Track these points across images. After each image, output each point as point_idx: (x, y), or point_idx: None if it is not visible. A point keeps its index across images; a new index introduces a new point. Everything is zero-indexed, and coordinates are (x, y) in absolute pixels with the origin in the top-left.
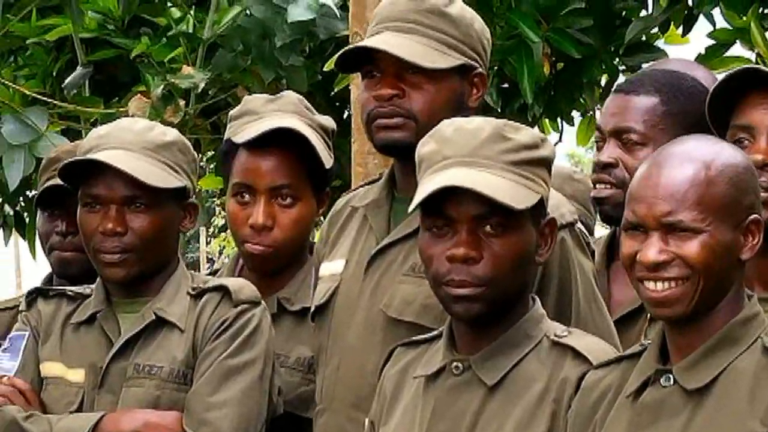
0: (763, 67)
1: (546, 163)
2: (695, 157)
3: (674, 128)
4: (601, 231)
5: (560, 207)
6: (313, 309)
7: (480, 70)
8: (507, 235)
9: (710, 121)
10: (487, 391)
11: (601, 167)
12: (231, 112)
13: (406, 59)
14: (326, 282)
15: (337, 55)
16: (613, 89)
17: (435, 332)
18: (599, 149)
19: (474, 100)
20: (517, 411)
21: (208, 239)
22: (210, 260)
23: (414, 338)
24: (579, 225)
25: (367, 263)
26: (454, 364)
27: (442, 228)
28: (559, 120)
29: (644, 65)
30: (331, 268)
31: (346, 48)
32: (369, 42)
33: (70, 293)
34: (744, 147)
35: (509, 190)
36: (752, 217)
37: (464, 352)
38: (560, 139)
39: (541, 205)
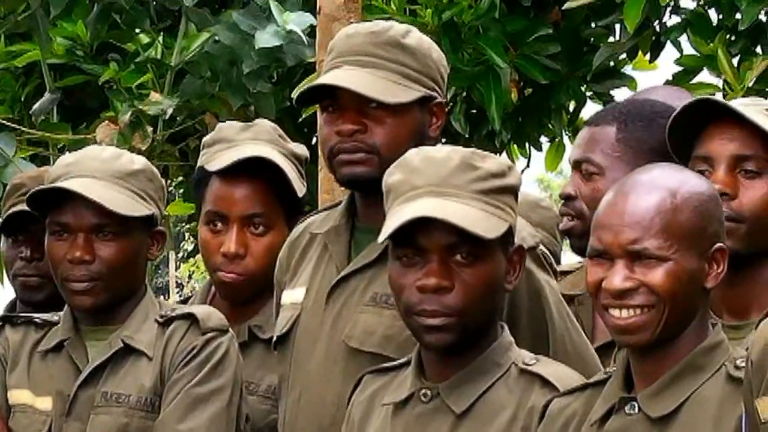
0: (718, 99)
1: (513, 190)
2: (661, 185)
3: (631, 155)
4: (569, 258)
5: (521, 231)
6: (275, 338)
7: (439, 99)
8: (477, 264)
9: (672, 151)
10: (455, 419)
11: (563, 200)
12: (204, 139)
13: (367, 95)
14: (287, 311)
15: (297, 92)
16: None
17: (403, 359)
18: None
19: (435, 130)
20: None
21: (177, 264)
22: (179, 285)
23: (382, 366)
24: (541, 248)
25: (327, 293)
26: (423, 391)
27: (413, 258)
28: (527, 145)
29: (612, 91)
30: (292, 296)
31: (307, 86)
32: (328, 79)
33: (37, 321)
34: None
35: (479, 220)
36: (717, 245)
37: (433, 380)
38: (528, 165)
39: (509, 233)
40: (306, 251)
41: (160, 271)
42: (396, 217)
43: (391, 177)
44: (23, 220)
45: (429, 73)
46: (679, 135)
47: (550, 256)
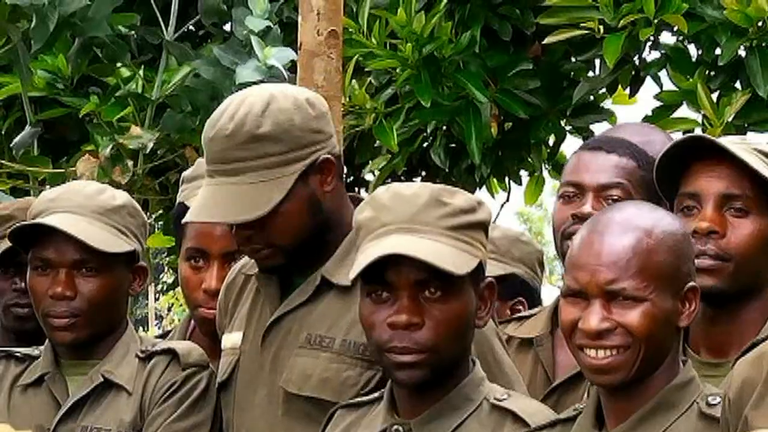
0: (707, 136)
1: (483, 226)
2: (636, 225)
3: (645, 195)
4: (549, 291)
5: None
6: (216, 384)
7: (319, 155)
8: (448, 300)
9: (659, 188)
10: None
11: (582, 219)
12: (184, 174)
13: (240, 220)
14: (227, 356)
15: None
16: (587, 146)
17: (376, 394)
18: (567, 200)
19: (329, 182)
20: None
21: (157, 296)
22: (158, 317)
23: (354, 400)
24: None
25: (263, 335)
26: (395, 427)
27: (383, 294)
28: (506, 179)
29: (591, 126)
30: (231, 340)
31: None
32: (195, 213)
33: (18, 354)
34: (692, 214)
35: (449, 256)
36: (690, 284)
37: (405, 416)
38: (508, 199)
39: (479, 269)
40: (241, 293)
41: (139, 303)
42: (366, 254)
43: (361, 214)
44: (15, 252)
45: (298, 142)
46: (666, 172)
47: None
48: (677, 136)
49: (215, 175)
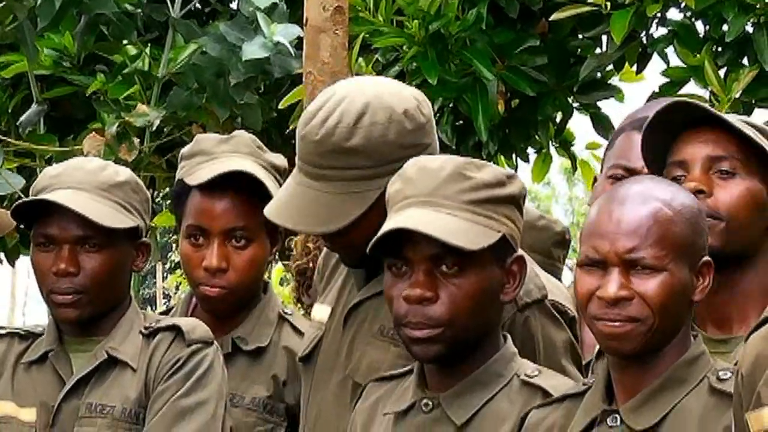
0: (691, 100)
1: (512, 200)
2: (655, 196)
3: None
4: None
5: (527, 283)
6: (299, 356)
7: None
8: (465, 275)
9: (645, 161)
10: (456, 430)
11: None
12: (182, 151)
13: (307, 230)
14: (314, 328)
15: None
16: (636, 126)
17: (406, 368)
18: (677, 182)
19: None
20: None
21: (165, 275)
22: (166, 296)
23: (385, 374)
24: (549, 299)
25: (344, 318)
26: (424, 401)
27: (402, 268)
28: (514, 157)
29: (598, 103)
30: (320, 313)
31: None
32: (274, 213)
33: (21, 332)
34: (680, 182)
35: (463, 231)
36: (705, 259)
37: (434, 390)
38: None
39: (505, 242)
40: (338, 265)
41: (147, 282)
42: (383, 228)
43: (391, 187)
44: None
45: (388, 159)
46: (652, 145)
47: (563, 303)
48: None
49: (301, 172)
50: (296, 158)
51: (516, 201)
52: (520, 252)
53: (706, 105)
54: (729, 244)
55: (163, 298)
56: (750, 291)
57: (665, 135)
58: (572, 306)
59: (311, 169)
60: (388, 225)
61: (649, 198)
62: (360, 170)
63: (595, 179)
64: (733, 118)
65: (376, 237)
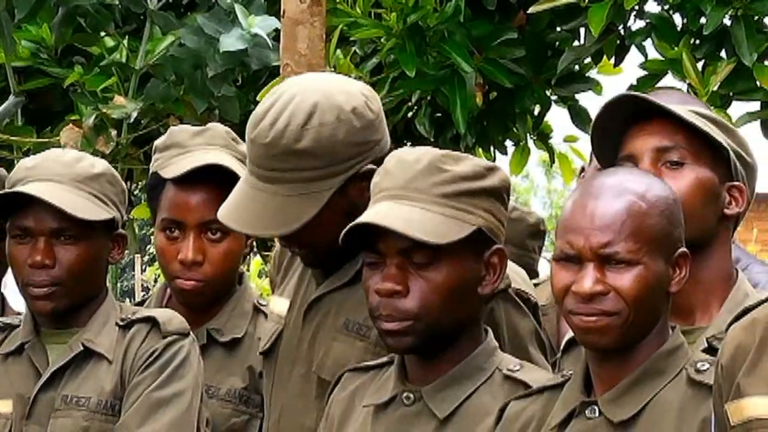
0: (634, 93)
1: (492, 192)
2: (629, 189)
3: None
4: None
5: None
6: (259, 351)
7: (361, 166)
8: (436, 268)
9: (597, 157)
10: (438, 424)
11: None
12: (156, 143)
13: (262, 234)
14: (273, 322)
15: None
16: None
17: (385, 358)
18: None
19: (366, 189)
20: None
21: (143, 267)
22: (145, 288)
23: (362, 364)
24: (512, 287)
25: (304, 312)
26: (405, 394)
27: (376, 261)
28: (492, 149)
29: (577, 95)
30: (279, 306)
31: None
32: (227, 217)
33: None
34: None
35: (432, 225)
36: (681, 250)
37: (415, 383)
38: None
39: (482, 235)
40: (295, 256)
41: (126, 275)
42: (353, 222)
43: (374, 178)
44: None
45: (339, 159)
46: (602, 141)
47: (526, 291)
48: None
49: (253, 175)
50: (248, 161)
51: (497, 193)
52: (499, 245)
53: (651, 97)
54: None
55: (142, 290)
56: (710, 280)
57: (614, 131)
58: (534, 291)
59: (262, 171)
60: (358, 219)
61: (623, 191)
62: (311, 171)
63: (583, 169)
64: (680, 109)
65: (344, 231)
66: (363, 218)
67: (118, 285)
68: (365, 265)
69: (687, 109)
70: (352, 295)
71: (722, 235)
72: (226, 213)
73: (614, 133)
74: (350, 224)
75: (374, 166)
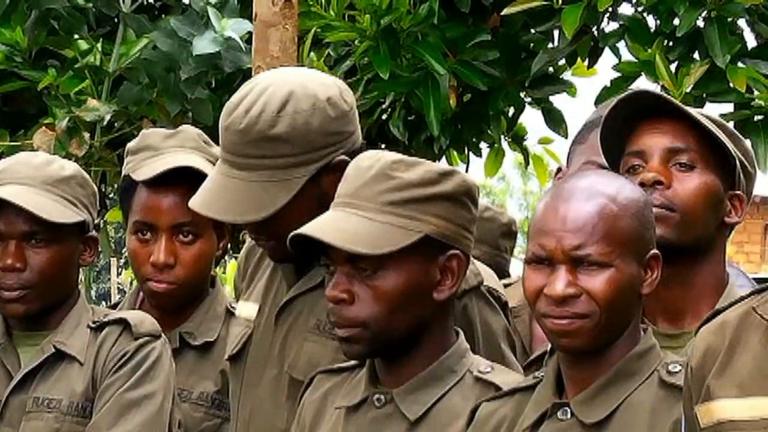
0: (651, 90)
1: (446, 197)
2: (600, 192)
3: None
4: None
5: None
6: (227, 355)
7: (333, 157)
8: (382, 276)
9: (602, 150)
10: (409, 426)
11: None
12: (128, 146)
13: (234, 220)
14: (241, 326)
15: None
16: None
17: (355, 361)
18: (634, 172)
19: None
20: None
21: (119, 270)
22: (121, 291)
23: (334, 366)
24: (485, 285)
25: (276, 314)
26: (376, 396)
27: (330, 267)
28: (466, 151)
29: (551, 97)
30: (246, 310)
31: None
32: (199, 204)
33: None
34: (638, 173)
35: (370, 235)
36: (652, 252)
37: (386, 385)
38: (467, 171)
39: (434, 241)
40: (262, 260)
41: (102, 278)
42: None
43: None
44: None
45: (312, 147)
46: (611, 134)
47: (497, 289)
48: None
49: (226, 163)
50: (221, 150)
51: (453, 197)
52: (456, 250)
53: (669, 96)
54: (683, 238)
55: (118, 293)
56: (703, 286)
57: (624, 124)
58: (503, 290)
59: (236, 158)
60: (298, 230)
61: (594, 194)
62: (285, 158)
63: (559, 170)
64: (694, 111)
65: (288, 238)
66: (303, 229)
67: (95, 288)
68: (326, 270)
69: (697, 111)
70: (324, 297)
71: (719, 242)
72: (198, 201)
73: (620, 128)
74: (292, 233)
75: (347, 158)
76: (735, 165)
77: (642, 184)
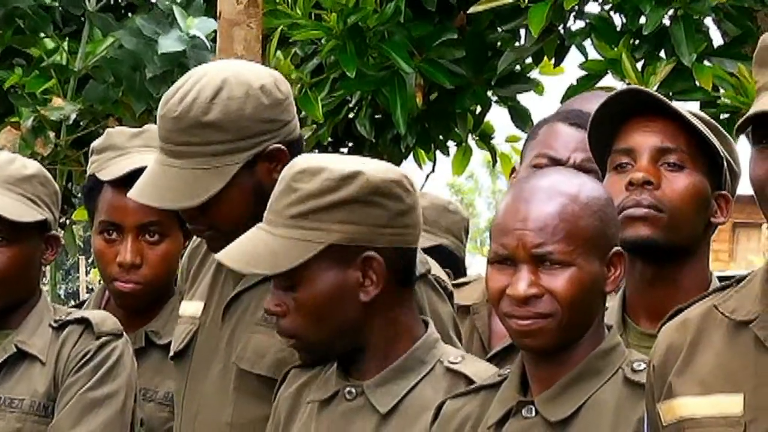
0: (644, 88)
1: (350, 201)
2: (561, 191)
3: None
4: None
5: None
6: (171, 353)
7: (268, 145)
8: (300, 289)
9: (590, 146)
10: (380, 418)
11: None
12: (93, 145)
13: (168, 206)
14: (185, 324)
15: None
16: (566, 120)
17: None
18: (622, 170)
19: (278, 170)
20: None
21: (87, 269)
22: (90, 290)
23: None
24: (432, 273)
25: (223, 310)
26: (348, 389)
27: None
28: (433, 150)
29: (517, 96)
30: (190, 309)
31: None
32: (137, 193)
33: None
34: (626, 171)
35: (272, 253)
36: (615, 249)
37: (357, 378)
38: (433, 169)
39: (342, 247)
40: (205, 260)
41: (70, 276)
42: None
43: None
44: None
45: (246, 134)
46: (599, 130)
47: (444, 279)
48: None
49: (162, 153)
50: (158, 140)
51: (358, 200)
52: (370, 252)
53: (660, 95)
54: (670, 239)
55: (87, 292)
56: (687, 287)
57: (612, 121)
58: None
59: (172, 147)
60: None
61: (556, 193)
62: (219, 145)
63: (513, 170)
64: (684, 110)
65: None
66: (217, 256)
67: (63, 287)
68: None
69: (687, 110)
70: (269, 291)
71: (703, 243)
72: (135, 190)
73: (607, 125)
74: (216, 257)
75: (283, 147)
76: (723, 165)
77: (631, 183)
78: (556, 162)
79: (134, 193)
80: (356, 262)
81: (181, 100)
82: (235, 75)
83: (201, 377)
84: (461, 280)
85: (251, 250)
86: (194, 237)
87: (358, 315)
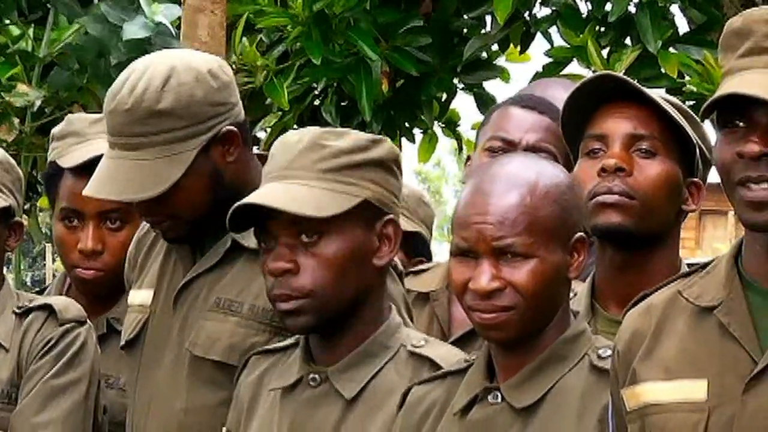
0: (616, 74)
1: (379, 163)
2: (520, 181)
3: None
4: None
5: None
6: (123, 342)
7: (221, 127)
8: (326, 243)
9: (563, 132)
10: (345, 404)
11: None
12: (53, 132)
13: (130, 198)
14: (135, 313)
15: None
16: (519, 103)
17: (291, 340)
18: (594, 155)
19: (232, 153)
20: (377, 423)
21: (54, 257)
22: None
23: (269, 346)
24: None
25: (174, 297)
26: (311, 376)
27: (269, 243)
28: (399, 137)
29: (483, 83)
30: (140, 297)
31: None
32: (94, 188)
33: None
34: (597, 157)
35: (313, 199)
36: (578, 235)
37: (321, 364)
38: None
39: (371, 206)
40: (152, 248)
41: (37, 264)
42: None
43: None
44: None
45: (200, 118)
46: (572, 116)
47: (395, 261)
48: None
49: (116, 147)
50: (108, 135)
51: (384, 164)
52: (391, 216)
53: (633, 81)
54: (641, 226)
55: (54, 279)
56: (657, 273)
57: (585, 106)
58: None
59: (125, 140)
60: (241, 201)
61: (514, 184)
62: (173, 132)
63: (469, 158)
64: (657, 96)
65: (230, 212)
66: (246, 199)
67: (30, 274)
68: (261, 250)
69: (659, 96)
70: (222, 276)
71: (674, 230)
72: (92, 186)
73: (581, 110)
74: (235, 205)
75: (234, 128)
76: (695, 152)
77: (603, 170)
78: (508, 143)
79: (92, 190)
80: (377, 226)
81: (131, 92)
82: (182, 62)
83: (153, 365)
84: (419, 267)
85: (295, 195)
86: (140, 226)
87: (369, 280)
